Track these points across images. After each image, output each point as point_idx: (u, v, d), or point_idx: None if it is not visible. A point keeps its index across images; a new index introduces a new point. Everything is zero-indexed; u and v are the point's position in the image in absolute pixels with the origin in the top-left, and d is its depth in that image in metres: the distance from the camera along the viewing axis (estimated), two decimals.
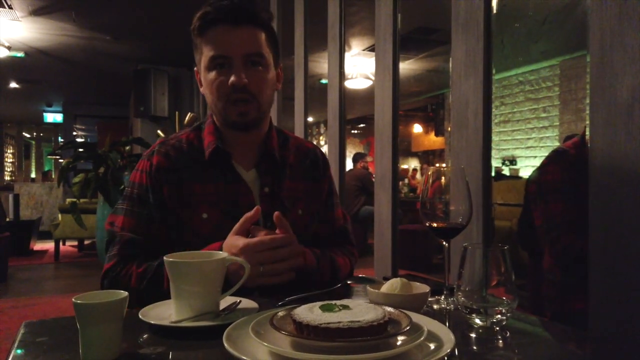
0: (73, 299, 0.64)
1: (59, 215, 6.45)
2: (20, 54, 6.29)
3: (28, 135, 14.71)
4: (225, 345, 0.63)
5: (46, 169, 14.56)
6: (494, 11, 1.49)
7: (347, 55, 5.99)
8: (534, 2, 4.53)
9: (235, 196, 1.12)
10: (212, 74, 1.09)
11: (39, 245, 7.26)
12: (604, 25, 1.08)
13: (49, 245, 6.95)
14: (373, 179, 2.80)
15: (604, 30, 1.08)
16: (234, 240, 0.97)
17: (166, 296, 0.89)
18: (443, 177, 0.95)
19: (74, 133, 11.19)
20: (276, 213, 1.01)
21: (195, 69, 1.20)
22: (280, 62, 1.21)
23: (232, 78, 1.06)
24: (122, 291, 0.68)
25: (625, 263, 1.04)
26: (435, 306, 0.92)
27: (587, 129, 1.15)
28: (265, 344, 0.61)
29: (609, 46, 1.07)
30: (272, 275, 0.94)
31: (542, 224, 1.63)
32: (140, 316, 0.78)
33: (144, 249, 1.08)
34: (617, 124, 1.06)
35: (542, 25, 4.92)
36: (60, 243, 6.50)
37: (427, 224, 0.95)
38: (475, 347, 0.74)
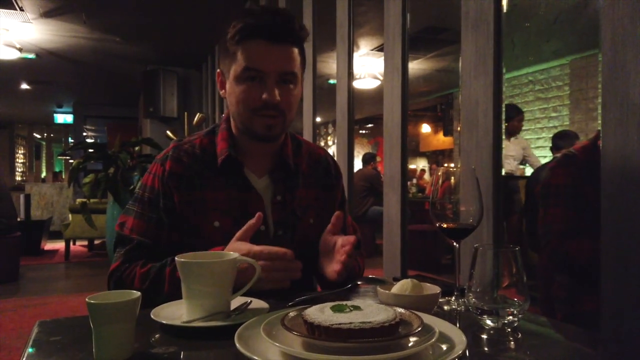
0: (87, 299, 0.65)
1: (69, 215, 6.50)
2: (32, 56, 6.34)
3: (39, 136, 14.85)
4: (237, 345, 0.63)
5: (56, 169, 14.68)
6: (504, 10, 1.48)
7: (356, 55, 5.98)
8: (545, 1, 4.49)
9: (246, 204, 1.12)
10: (243, 86, 1.08)
11: (49, 245, 7.32)
12: (616, 24, 1.07)
13: (60, 245, 7.00)
14: (382, 179, 2.80)
15: (616, 29, 1.07)
16: (238, 245, 0.99)
17: (166, 300, 0.90)
18: (452, 178, 0.95)
19: (84, 134, 11.28)
20: (337, 213, 1.08)
21: (218, 70, 1.19)
22: (302, 79, 1.20)
23: (265, 95, 1.06)
24: (135, 291, 0.68)
25: (637, 264, 1.03)
26: (445, 307, 0.91)
27: (599, 130, 1.14)
28: (277, 344, 0.61)
29: (621, 45, 1.06)
30: (269, 282, 0.96)
31: (539, 226, 1.63)
32: (152, 316, 0.79)
33: (152, 253, 1.09)
34: (629, 123, 1.05)
35: (552, 24, 4.88)
36: (71, 243, 6.56)
37: (437, 225, 0.94)
38: (486, 349, 0.74)
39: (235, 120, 1.15)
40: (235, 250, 0.97)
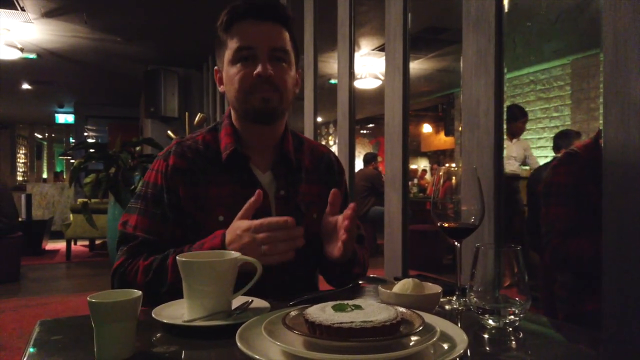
0: (88, 298, 0.65)
1: (71, 215, 6.51)
2: (33, 56, 6.35)
3: (40, 136, 14.86)
4: (238, 344, 0.63)
5: (58, 169, 14.70)
6: (506, 10, 1.48)
7: (357, 55, 5.98)
8: (546, 1, 4.49)
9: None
10: (236, 67, 1.10)
11: (50, 245, 7.32)
12: (617, 24, 1.07)
13: (61, 244, 7.01)
14: (383, 180, 2.80)
15: (617, 29, 1.07)
16: (239, 224, 0.98)
17: (170, 291, 0.89)
18: (454, 178, 0.95)
19: (85, 134, 11.28)
20: (334, 190, 1.08)
21: (215, 67, 1.21)
22: (299, 67, 1.21)
23: (258, 68, 1.08)
24: (136, 290, 0.68)
25: (639, 263, 1.03)
26: (447, 307, 0.91)
27: (600, 129, 1.14)
28: (278, 343, 0.61)
29: (622, 44, 1.06)
30: (273, 255, 0.94)
31: (542, 225, 1.62)
32: (153, 315, 0.79)
33: (156, 249, 1.08)
34: (631, 123, 1.04)
35: (554, 24, 4.88)
36: (72, 243, 6.57)
37: (438, 224, 0.94)
38: (488, 348, 0.74)
39: (235, 108, 1.16)
40: (236, 228, 0.97)
